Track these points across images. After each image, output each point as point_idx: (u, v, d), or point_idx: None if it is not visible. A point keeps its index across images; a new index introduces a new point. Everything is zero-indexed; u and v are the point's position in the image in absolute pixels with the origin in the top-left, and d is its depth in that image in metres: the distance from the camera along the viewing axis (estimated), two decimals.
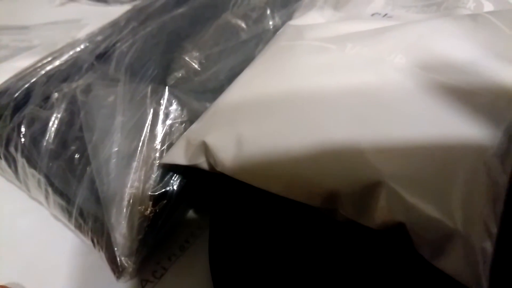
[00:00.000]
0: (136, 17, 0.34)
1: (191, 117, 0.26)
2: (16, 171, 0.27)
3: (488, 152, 0.17)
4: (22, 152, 0.26)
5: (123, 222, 0.22)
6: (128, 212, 0.22)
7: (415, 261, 0.16)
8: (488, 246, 0.15)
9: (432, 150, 0.17)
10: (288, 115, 0.20)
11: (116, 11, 0.40)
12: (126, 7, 0.40)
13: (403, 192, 0.16)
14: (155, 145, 0.24)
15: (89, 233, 0.24)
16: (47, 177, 0.25)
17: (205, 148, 0.21)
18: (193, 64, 0.28)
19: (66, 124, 0.26)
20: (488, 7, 0.25)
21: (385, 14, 0.28)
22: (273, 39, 0.28)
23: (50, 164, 0.25)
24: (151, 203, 0.23)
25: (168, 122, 0.25)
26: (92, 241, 0.24)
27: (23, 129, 0.27)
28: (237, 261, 0.21)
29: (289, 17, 0.32)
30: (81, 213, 0.24)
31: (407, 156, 0.17)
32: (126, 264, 0.22)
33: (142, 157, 0.24)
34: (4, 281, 0.25)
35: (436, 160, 0.17)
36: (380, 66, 0.21)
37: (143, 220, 0.23)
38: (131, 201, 0.23)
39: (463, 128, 0.18)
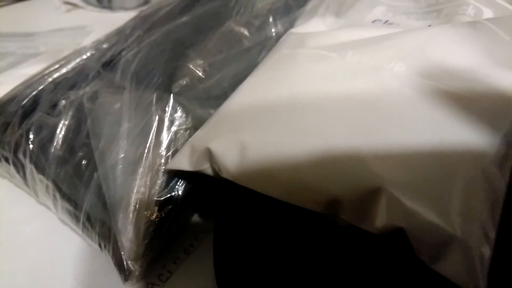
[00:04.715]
0: (141, 25, 0.35)
1: (196, 124, 0.26)
2: (24, 177, 0.28)
3: (486, 159, 0.17)
4: (31, 158, 0.27)
5: (129, 226, 0.23)
6: (135, 217, 0.23)
7: (415, 265, 0.17)
8: (486, 251, 0.15)
9: (431, 157, 0.17)
10: (290, 122, 0.20)
11: (120, 18, 0.41)
12: (130, 14, 0.41)
13: (402, 198, 0.16)
14: (160, 151, 0.25)
15: (97, 237, 0.24)
16: (55, 182, 0.26)
17: (210, 154, 0.22)
18: (197, 71, 0.29)
19: (74, 131, 0.27)
20: (488, 14, 0.25)
21: (386, 21, 0.28)
22: (275, 47, 0.29)
23: (58, 170, 0.26)
24: (156, 208, 0.23)
25: (173, 128, 0.26)
26: (99, 246, 0.24)
27: (31, 136, 0.27)
28: (241, 264, 0.21)
29: (291, 24, 0.32)
30: (88, 218, 0.24)
31: (407, 163, 0.17)
32: (132, 268, 0.23)
33: (148, 163, 0.24)
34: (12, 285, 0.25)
35: (435, 167, 0.17)
36: (380, 74, 0.21)
37: (149, 224, 0.23)
38: (137, 206, 0.23)
39: (462, 135, 0.18)
